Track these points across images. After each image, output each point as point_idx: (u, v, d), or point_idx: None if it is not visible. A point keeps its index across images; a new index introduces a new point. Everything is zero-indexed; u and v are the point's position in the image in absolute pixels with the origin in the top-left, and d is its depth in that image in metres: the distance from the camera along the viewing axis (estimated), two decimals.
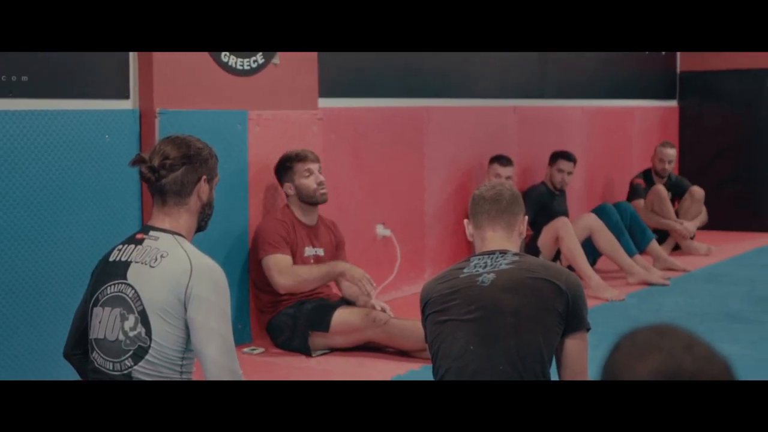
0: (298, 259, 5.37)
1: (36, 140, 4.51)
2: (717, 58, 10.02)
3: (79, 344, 3.25)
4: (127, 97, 4.94)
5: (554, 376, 3.16)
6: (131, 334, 3.03)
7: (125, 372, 3.04)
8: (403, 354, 5.20)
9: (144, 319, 3.02)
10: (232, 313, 5.41)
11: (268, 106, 5.54)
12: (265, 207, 5.56)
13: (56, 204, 4.60)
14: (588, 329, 3.16)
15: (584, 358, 3.14)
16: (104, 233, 4.76)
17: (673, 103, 10.39)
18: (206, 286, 3.03)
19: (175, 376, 3.06)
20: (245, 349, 5.33)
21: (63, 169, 4.62)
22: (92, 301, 3.16)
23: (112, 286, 3.11)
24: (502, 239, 3.25)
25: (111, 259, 3.17)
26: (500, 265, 3.16)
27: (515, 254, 3.20)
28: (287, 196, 5.47)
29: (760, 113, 9.95)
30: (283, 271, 5.27)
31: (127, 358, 3.04)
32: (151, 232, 3.15)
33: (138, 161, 3.16)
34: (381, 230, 6.62)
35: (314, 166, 5.43)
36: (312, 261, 5.46)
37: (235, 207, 5.39)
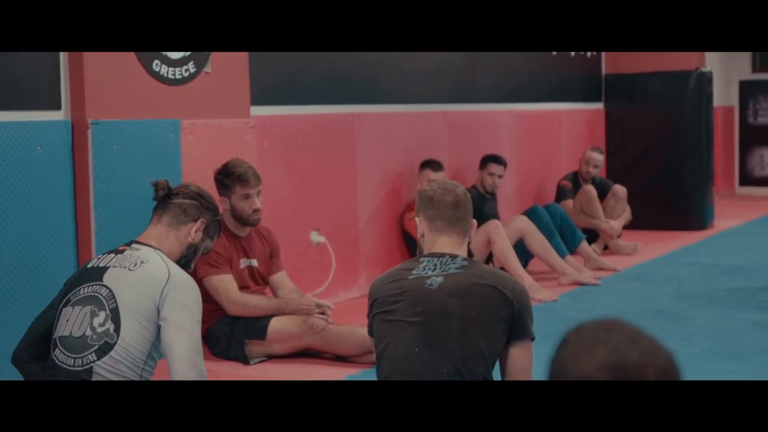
0: (233, 270, 5.37)
1: None
2: (641, 61, 10.20)
3: (30, 348, 3.32)
4: (59, 108, 4.91)
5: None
6: (99, 330, 3.13)
7: (86, 367, 3.11)
8: (341, 359, 5.22)
9: (115, 316, 3.14)
10: None
11: (200, 114, 5.54)
12: None
13: None
14: (533, 339, 3.20)
15: (528, 368, 3.19)
16: (36, 246, 4.72)
17: (599, 106, 10.55)
18: (181, 293, 3.19)
19: (135, 378, 3.13)
20: None
21: None
22: (62, 303, 3.26)
23: (87, 288, 3.23)
24: (454, 244, 3.29)
25: (89, 266, 3.32)
26: (449, 269, 3.20)
27: (464, 259, 3.25)
28: (222, 208, 5.43)
29: (683, 114, 10.14)
30: (233, 299, 5.25)
31: (91, 353, 3.12)
32: (134, 245, 3.35)
33: (161, 181, 3.47)
34: (315, 237, 6.64)
35: (254, 191, 5.34)
36: (246, 272, 5.45)
37: None
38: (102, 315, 3.16)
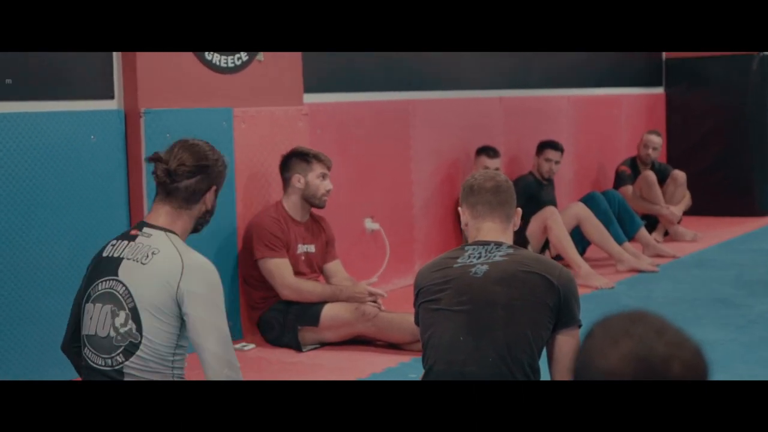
0: (290, 256, 5.39)
1: (22, 142, 4.52)
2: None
3: (75, 338, 3.31)
4: (111, 97, 4.95)
5: (544, 369, 3.18)
6: (122, 330, 3.07)
7: (117, 368, 3.07)
8: (393, 347, 5.22)
9: (135, 315, 3.06)
10: None
11: (253, 102, 5.56)
12: (252, 203, 5.57)
13: (42, 206, 4.61)
14: (579, 325, 3.17)
15: (576, 355, 3.14)
16: (91, 234, 4.76)
17: (659, 90, 10.41)
18: (198, 282, 3.08)
19: (167, 371, 3.10)
20: (236, 346, 5.32)
21: (49, 171, 4.63)
22: (84, 298, 3.20)
23: (104, 283, 3.15)
24: (498, 231, 3.26)
25: (104, 254, 3.22)
26: (494, 256, 3.17)
27: (509, 247, 3.22)
28: (290, 186, 5.45)
29: (745, 98, 9.97)
30: (287, 284, 5.29)
31: (118, 354, 3.07)
32: (145, 229, 3.20)
33: (155, 160, 3.23)
34: (369, 224, 6.63)
35: (328, 173, 5.48)
36: (303, 258, 5.48)
37: (223, 204, 5.36)
38: (122, 315, 3.08)
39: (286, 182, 5.48)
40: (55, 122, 4.65)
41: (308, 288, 5.33)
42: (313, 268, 5.57)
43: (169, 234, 3.19)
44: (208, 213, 3.29)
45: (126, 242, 3.20)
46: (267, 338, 5.41)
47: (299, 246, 5.48)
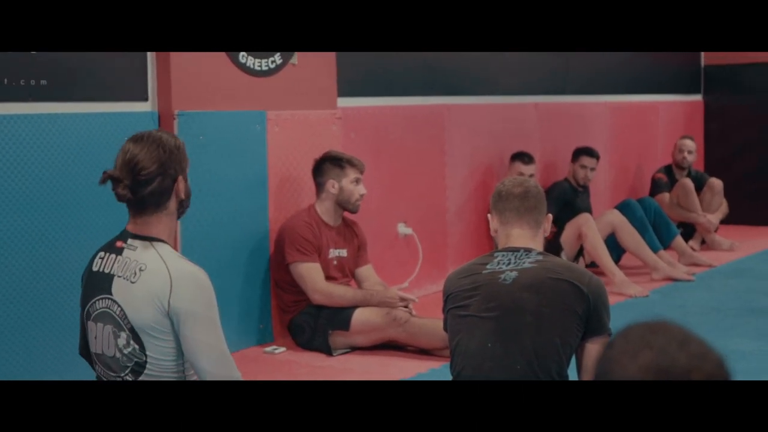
0: (322, 260, 5.39)
1: (55, 143, 4.55)
2: (742, 51, 9.94)
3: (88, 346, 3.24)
4: (145, 99, 4.97)
5: (573, 377, 3.15)
6: (126, 351, 2.98)
7: None
8: (423, 352, 5.20)
9: (135, 336, 2.96)
10: (254, 313, 5.47)
11: (286, 106, 5.56)
12: (285, 207, 5.57)
13: (76, 206, 4.63)
14: (609, 334, 3.13)
15: None
16: None
17: (697, 98, 10.33)
18: (188, 297, 2.92)
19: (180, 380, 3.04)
20: (267, 349, 5.34)
21: (83, 173, 4.64)
22: (85, 315, 3.11)
23: (100, 301, 3.03)
24: (527, 237, 3.24)
25: (95, 268, 3.08)
26: (524, 263, 3.15)
27: (539, 253, 3.20)
28: (323, 191, 5.46)
29: None
30: (318, 288, 5.29)
31: (127, 374, 2.99)
32: (130, 240, 3.03)
33: (110, 179, 2.98)
34: (402, 229, 6.62)
35: (362, 177, 5.50)
36: (335, 262, 5.48)
37: (256, 208, 5.41)
38: (123, 336, 2.96)
39: (319, 187, 5.48)
40: (89, 124, 4.67)
41: (339, 293, 5.32)
42: (344, 272, 5.56)
43: (155, 243, 3.01)
44: (186, 200, 3.08)
45: (114, 256, 3.03)
46: (298, 341, 5.41)
47: (331, 250, 5.47)
